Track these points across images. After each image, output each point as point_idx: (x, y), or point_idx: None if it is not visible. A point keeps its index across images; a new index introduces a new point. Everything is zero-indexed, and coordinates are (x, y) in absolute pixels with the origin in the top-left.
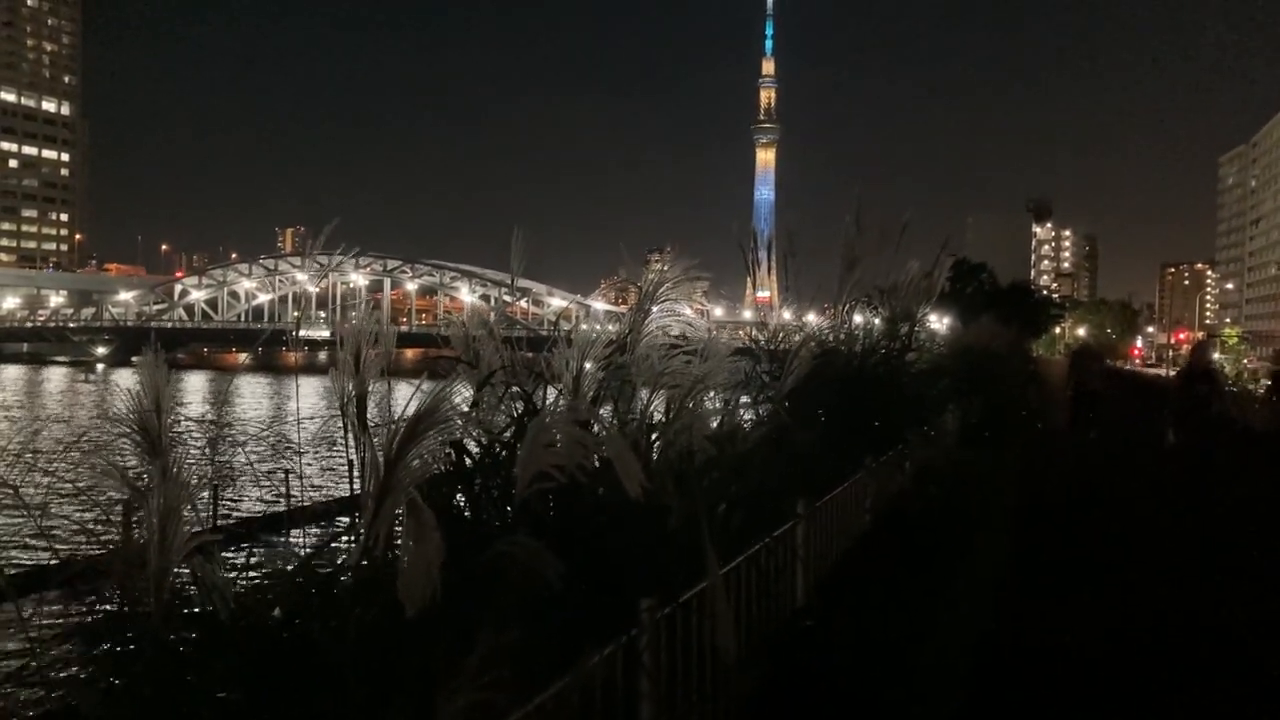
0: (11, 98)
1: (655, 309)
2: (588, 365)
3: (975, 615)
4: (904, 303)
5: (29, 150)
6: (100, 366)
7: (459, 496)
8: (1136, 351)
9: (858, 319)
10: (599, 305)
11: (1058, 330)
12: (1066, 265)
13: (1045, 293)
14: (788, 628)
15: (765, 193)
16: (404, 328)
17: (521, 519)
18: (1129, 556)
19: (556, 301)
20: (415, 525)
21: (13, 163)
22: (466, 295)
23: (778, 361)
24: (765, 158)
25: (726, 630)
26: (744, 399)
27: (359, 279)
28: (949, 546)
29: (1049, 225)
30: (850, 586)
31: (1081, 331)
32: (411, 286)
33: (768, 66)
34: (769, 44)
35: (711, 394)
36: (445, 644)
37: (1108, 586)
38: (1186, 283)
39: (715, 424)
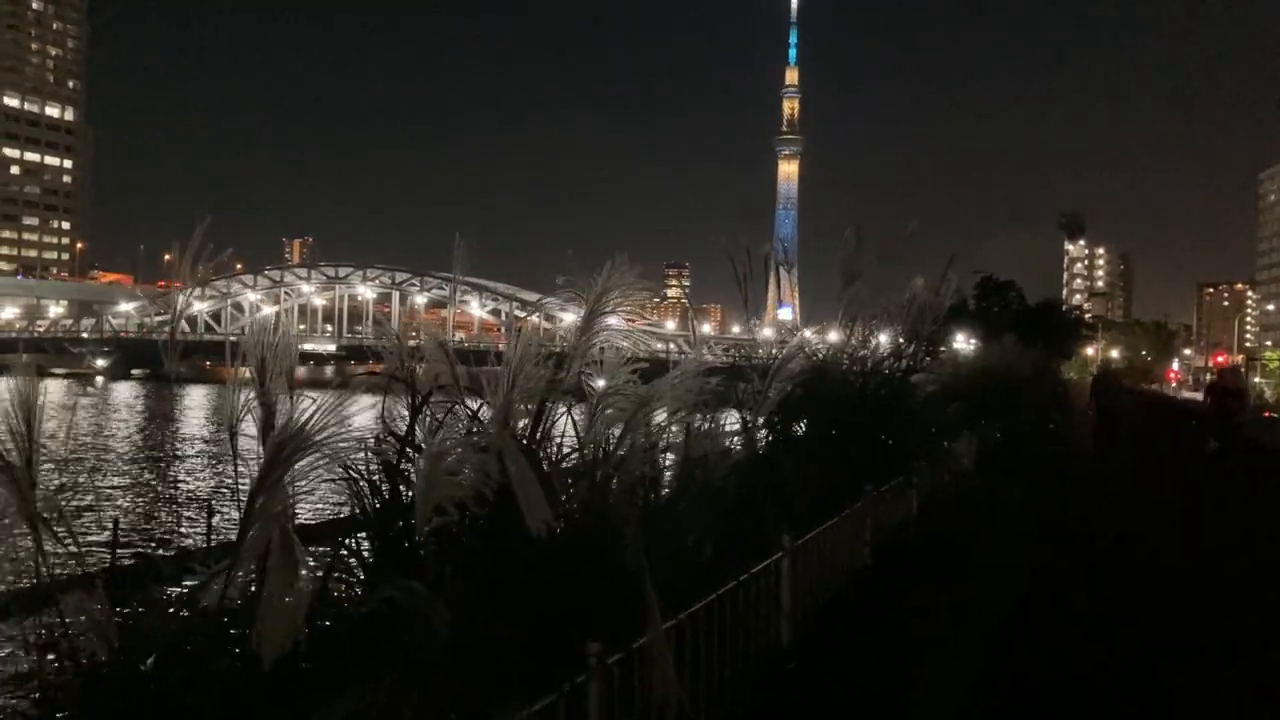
0: (15, 103)
1: (609, 321)
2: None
3: (976, 664)
4: (910, 321)
5: (31, 156)
6: (100, 379)
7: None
8: (1172, 374)
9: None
10: (612, 320)
11: (1090, 352)
12: (1100, 284)
13: (1077, 312)
14: (769, 670)
15: (788, 206)
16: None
17: (451, 554)
18: (1151, 600)
19: (571, 316)
20: (281, 560)
21: (14, 169)
22: (477, 309)
23: (793, 379)
24: (788, 170)
25: (669, 681)
26: (733, 421)
27: (367, 292)
28: (954, 585)
29: (1082, 243)
30: (842, 627)
31: (1115, 353)
32: (420, 300)
33: (791, 76)
34: (792, 53)
35: (683, 415)
36: (306, 699)
37: (1122, 633)
38: (1225, 303)
39: (685, 447)
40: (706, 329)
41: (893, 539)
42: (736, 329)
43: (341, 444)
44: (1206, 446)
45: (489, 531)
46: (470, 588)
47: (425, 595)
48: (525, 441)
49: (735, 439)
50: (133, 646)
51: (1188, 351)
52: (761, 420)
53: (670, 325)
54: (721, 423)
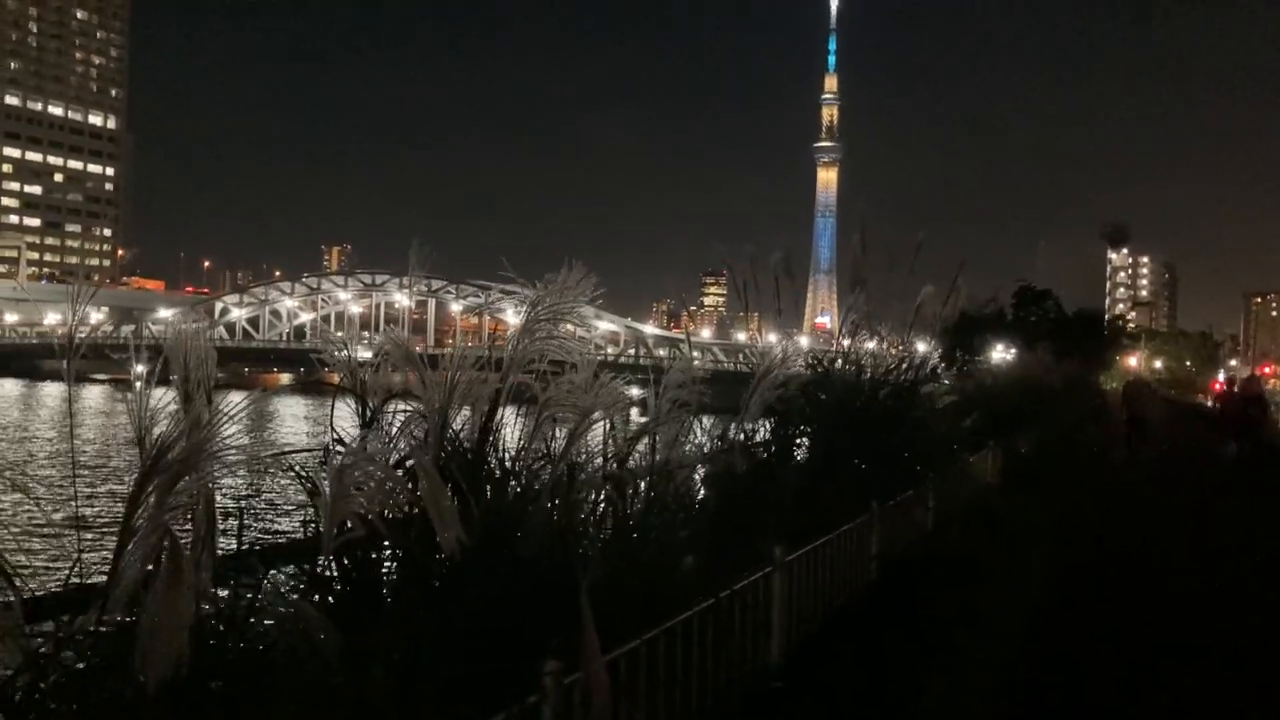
0: (59, 111)
1: (548, 327)
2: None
3: (978, 683)
4: (921, 329)
5: (74, 164)
6: (138, 384)
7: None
8: (1218, 385)
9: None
10: (649, 329)
11: (1132, 362)
12: (1144, 293)
13: (1119, 322)
14: (753, 688)
15: (827, 213)
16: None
17: (404, 572)
18: (1172, 617)
19: (605, 325)
20: (169, 573)
21: (58, 177)
22: (512, 316)
23: (779, 389)
24: (827, 178)
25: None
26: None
27: (403, 299)
28: (963, 601)
29: (1125, 251)
30: (837, 645)
31: (1158, 364)
32: (457, 307)
33: (830, 83)
34: (832, 60)
35: (662, 424)
36: None
37: (1135, 654)
38: (1274, 313)
39: (654, 458)
40: (741, 337)
41: (904, 554)
42: (773, 337)
43: (237, 454)
44: (1227, 451)
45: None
46: (422, 605)
47: (315, 616)
48: (472, 451)
49: (722, 449)
50: (31, 667)
51: (1234, 362)
52: (755, 429)
53: (706, 333)
54: (711, 432)
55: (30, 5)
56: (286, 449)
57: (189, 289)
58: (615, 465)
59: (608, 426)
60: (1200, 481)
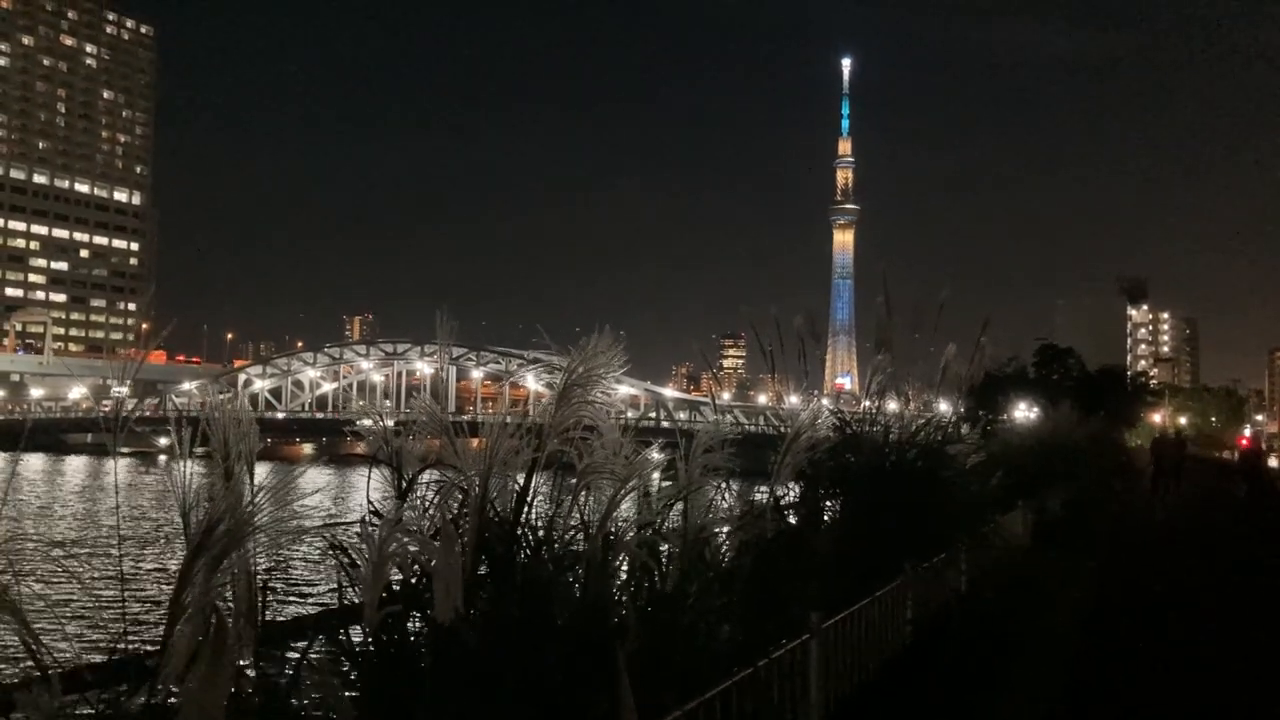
0: (85, 189)
1: (587, 392)
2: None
3: None
4: (947, 389)
5: (100, 240)
6: (163, 458)
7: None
8: (1244, 441)
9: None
10: (669, 393)
11: (1157, 419)
12: (1165, 349)
13: (1142, 379)
14: None
15: (845, 275)
16: (467, 417)
17: (440, 647)
18: (1217, 687)
19: (624, 389)
20: (213, 651)
21: (84, 253)
22: (533, 383)
23: (809, 452)
24: (843, 240)
25: None
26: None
27: (425, 367)
28: (1001, 664)
29: (1145, 307)
30: (874, 712)
31: (1183, 420)
32: (478, 374)
33: (844, 146)
34: (845, 124)
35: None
36: None
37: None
38: None
39: (686, 526)
40: (762, 399)
41: (938, 616)
42: (794, 399)
43: (289, 525)
44: (1239, 490)
45: (480, 623)
46: (462, 681)
47: (339, 697)
48: (506, 521)
49: (754, 513)
50: None
51: (1260, 417)
52: (785, 493)
53: (726, 396)
54: (739, 496)
55: (59, 87)
56: (324, 523)
57: (179, 358)
58: (649, 531)
59: (641, 492)
60: (1219, 530)
